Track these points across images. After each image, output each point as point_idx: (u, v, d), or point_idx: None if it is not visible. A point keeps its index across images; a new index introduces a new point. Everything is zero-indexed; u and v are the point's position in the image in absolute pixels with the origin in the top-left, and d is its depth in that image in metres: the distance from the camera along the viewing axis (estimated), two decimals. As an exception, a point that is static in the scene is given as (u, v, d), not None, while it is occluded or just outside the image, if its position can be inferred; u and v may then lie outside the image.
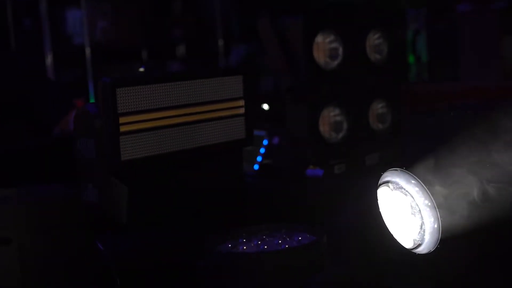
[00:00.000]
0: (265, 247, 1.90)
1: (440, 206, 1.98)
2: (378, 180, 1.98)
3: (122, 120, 2.13)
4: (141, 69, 3.27)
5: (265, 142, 3.30)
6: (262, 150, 3.26)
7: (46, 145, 2.86)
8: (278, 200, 2.51)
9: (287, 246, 1.89)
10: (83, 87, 6.57)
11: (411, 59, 5.84)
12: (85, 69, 6.74)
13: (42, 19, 6.58)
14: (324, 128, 2.83)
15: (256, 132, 2.91)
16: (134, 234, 2.13)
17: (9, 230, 1.62)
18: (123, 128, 2.13)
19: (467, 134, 2.13)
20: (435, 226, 1.96)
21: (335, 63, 2.84)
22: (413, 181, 2.00)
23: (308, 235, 1.96)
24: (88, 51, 6.75)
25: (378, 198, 1.94)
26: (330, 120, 2.85)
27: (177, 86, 2.25)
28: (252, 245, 1.93)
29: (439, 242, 1.93)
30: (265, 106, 4.13)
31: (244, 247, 1.93)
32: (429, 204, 1.98)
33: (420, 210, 2.00)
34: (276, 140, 3.35)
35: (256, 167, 3.15)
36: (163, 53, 7.36)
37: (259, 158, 3.23)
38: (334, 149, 2.85)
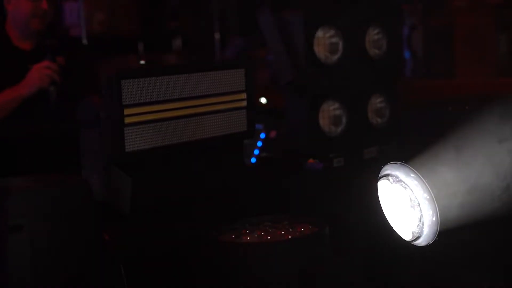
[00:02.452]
0: (268, 237, 1.94)
1: (439, 199, 2.01)
2: (378, 173, 2.01)
3: (126, 111, 2.15)
4: (142, 62, 3.28)
5: (262, 135, 3.33)
6: (259, 144, 3.29)
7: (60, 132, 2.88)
8: (278, 193, 2.54)
9: (290, 237, 1.92)
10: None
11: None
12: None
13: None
14: (323, 122, 2.86)
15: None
16: (138, 224, 2.15)
17: (20, 217, 1.65)
18: (127, 120, 2.16)
19: (465, 128, 2.16)
20: (434, 219, 1.98)
21: (335, 57, 2.86)
22: (412, 175, 2.02)
23: (310, 227, 1.99)
24: (84, 42, 6.74)
25: (378, 191, 1.97)
26: (330, 114, 2.88)
27: (181, 78, 2.28)
28: (256, 235, 1.96)
29: (438, 235, 1.96)
30: (263, 100, 4.16)
31: (248, 238, 1.96)
32: (428, 197, 2.00)
33: (419, 203, 2.02)
34: (273, 133, 3.37)
35: (253, 160, 3.18)
36: (159, 46, 7.35)
37: (256, 151, 3.25)
38: (333, 143, 2.88)
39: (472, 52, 5.39)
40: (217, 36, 7.61)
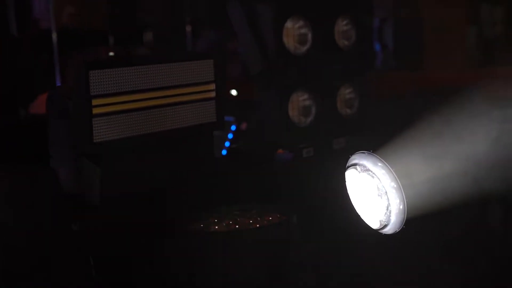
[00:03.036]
0: (236, 226, 1.94)
1: (406, 188, 2.02)
2: (346, 163, 2.02)
3: (94, 102, 2.15)
4: (111, 54, 3.27)
5: (233, 127, 3.33)
6: (230, 136, 3.29)
7: (19, 124, 2.86)
8: (248, 183, 2.55)
9: (258, 225, 1.94)
10: (49, 71, 6.50)
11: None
12: (51, 54, 6.67)
13: (7, 3, 6.49)
14: (293, 113, 2.86)
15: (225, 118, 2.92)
16: (107, 215, 2.15)
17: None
18: (95, 110, 2.15)
19: (431, 118, 2.18)
20: (401, 207, 2.00)
21: (304, 48, 2.87)
22: (379, 164, 2.03)
23: (278, 215, 2.00)
24: (54, 36, 6.68)
25: (346, 180, 1.98)
26: (299, 104, 2.89)
27: (150, 69, 2.28)
28: (224, 224, 1.97)
29: (405, 223, 1.98)
30: (233, 92, 4.16)
31: (216, 227, 1.96)
32: (395, 186, 2.02)
33: (386, 192, 2.03)
34: (244, 125, 3.38)
35: (224, 152, 3.18)
36: (130, 39, 7.31)
37: (227, 143, 3.26)
38: (303, 133, 2.89)
39: (441, 45, 5.43)
40: (188, 28, 7.59)
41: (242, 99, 3.89)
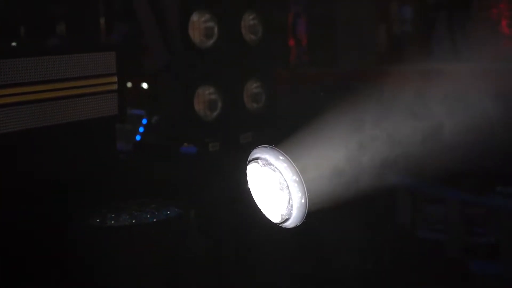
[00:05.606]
0: (133, 221, 1.92)
1: (308, 181, 2.03)
2: (248, 157, 2.01)
3: (-12, 94, 2.08)
4: (13, 44, 3.18)
5: (144, 121, 3.29)
6: (141, 129, 3.24)
7: None
8: (151, 177, 2.52)
9: (155, 220, 1.91)
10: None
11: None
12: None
13: None
14: (199, 107, 2.84)
15: (135, 111, 2.89)
16: (2, 209, 2.08)
17: None
18: (-11, 102, 2.08)
19: (334, 113, 2.20)
20: (302, 201, 2.01)
21: (211, 42, 2.85)
22: (281, 157, 2.03)
23: (176, 209, 1.98)
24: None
25: (248, 174, 1.98)
26: (205, 98, 2.87)
27: (47, 60, 2.22)
28: (121, 219, 1.94)
29: (306, 216, 1.99)
30: (144, 85, 4.10)
31: (113, 222, 1.93)
32: (297, 179, 2.02)
33: (288, 186, 2.04)
34: (155, 119, 3.34)
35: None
36: (42, 30, 7.13)
37: (137, 137, 3.21)
38: (209, 128, 2.87)
39: (353, 41, 5.50)
40: (102, 21, 7.44)
41: (153, 92, 3.84)
